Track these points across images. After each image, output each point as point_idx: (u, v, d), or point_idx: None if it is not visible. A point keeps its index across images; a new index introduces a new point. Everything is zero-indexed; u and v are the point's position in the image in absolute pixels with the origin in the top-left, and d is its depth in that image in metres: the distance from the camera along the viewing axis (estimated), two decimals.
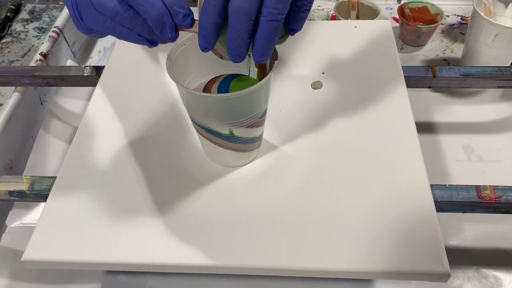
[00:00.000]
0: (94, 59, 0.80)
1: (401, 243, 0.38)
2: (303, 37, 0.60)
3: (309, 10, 0.34)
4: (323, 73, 0.55)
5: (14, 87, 0.62)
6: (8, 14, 0.90)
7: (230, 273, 0.39)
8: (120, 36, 0.35)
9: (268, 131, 0.47)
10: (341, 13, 0.80)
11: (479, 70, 0.56)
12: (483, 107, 0.66)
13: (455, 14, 0.84)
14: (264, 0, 0.31)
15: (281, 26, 0.32)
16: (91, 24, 0.35)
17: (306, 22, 0.41)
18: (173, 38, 0.34)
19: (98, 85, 0.55)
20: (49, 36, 0.72)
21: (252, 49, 0.33)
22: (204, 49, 0.33)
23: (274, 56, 0.37)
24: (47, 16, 0.92)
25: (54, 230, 0.41)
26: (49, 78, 0.60)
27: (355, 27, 0.61)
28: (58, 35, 0.73)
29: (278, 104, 0.52)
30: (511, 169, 0.57)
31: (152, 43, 0.35)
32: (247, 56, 0.36)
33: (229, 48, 0.32)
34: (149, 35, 0.34)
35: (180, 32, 0.35)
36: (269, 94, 0.40)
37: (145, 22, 0.33)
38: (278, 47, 0.37)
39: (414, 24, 0.75)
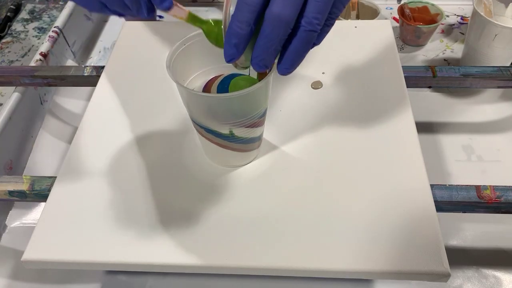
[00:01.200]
0: (94, 59, 0.80)
1: (401, 243, 0.38)
2: None
3: (333, 24, 0.32)
4: (323, 73, 0.55)
5: (14, 87, 0.62)
6: (8, 14, 0.90)
7: (230, 273, 0.39)
8: (91, 9, 0.34)
9: (268, 131, 0.47)
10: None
11: (479, 70, 0.56)
12: (483, 107, 0.66)
13: (455, 14, 0.84)
14: (306, 9, 0.29)
15: (315, 37, 0.30)
16: None
17: None
18: (149, 18, 0.33)
19: (98, 85, 0.55)
20: (49, 36, 0.72)
21: (278, 60, 0.31)
22: (231, 60, 0.31)
23: None
24: (47, 16, 0.92)
25: (54, 230, 0.41)
26: (49, 78, 0.60)
27: (355, 27, 0.61)
28: (58, 35, 0.73)
29: (278, 104, 0.52)
30: (511, 169, 0.57)
31: (121, 15, 0.34)
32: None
33: (257, 57, 0.30)
34: (123, 10, 0.33)
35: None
36: (269, 94, 0.40)
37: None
38: None
39: (414, 24, 0.75)
